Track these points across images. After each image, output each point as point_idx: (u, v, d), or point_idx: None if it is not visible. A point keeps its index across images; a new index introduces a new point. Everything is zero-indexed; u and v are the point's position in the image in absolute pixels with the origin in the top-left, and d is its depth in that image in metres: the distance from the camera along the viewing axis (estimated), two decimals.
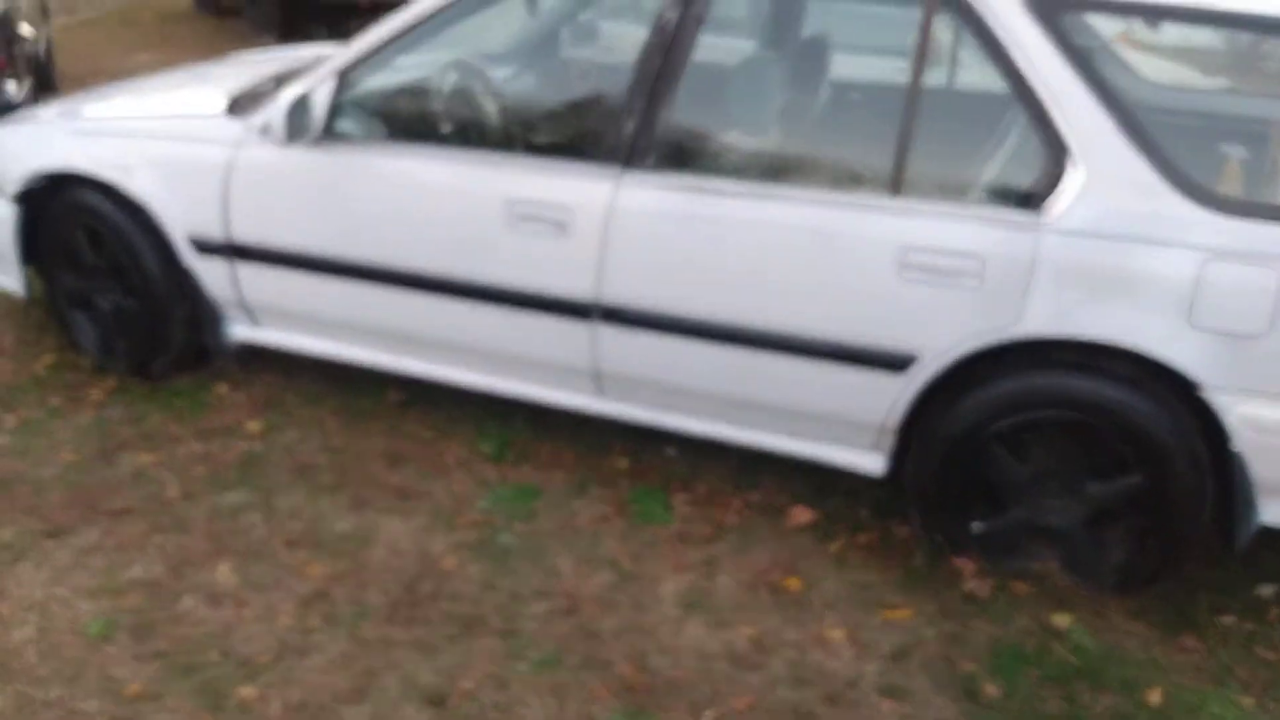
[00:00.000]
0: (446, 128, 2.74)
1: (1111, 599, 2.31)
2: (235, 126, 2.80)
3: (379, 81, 2.76)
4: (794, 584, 2.35)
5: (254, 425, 2.88)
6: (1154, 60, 5.44)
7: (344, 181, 2.68)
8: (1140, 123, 2.16)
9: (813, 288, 2.33)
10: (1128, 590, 2.33)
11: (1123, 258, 2.12)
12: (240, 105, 2.90)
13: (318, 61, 2.84)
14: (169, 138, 2.89)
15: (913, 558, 2.44)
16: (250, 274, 2.86)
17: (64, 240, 3.07)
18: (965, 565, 2.38)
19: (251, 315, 2.97)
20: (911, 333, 2.28)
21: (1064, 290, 2.15)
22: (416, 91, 2.83)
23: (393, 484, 2.62)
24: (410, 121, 2.78)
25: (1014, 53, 2.20)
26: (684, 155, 2.47)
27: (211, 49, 8.49)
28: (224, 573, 2.27)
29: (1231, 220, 2.08)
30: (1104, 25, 3.86)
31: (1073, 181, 2.15)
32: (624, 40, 3.07)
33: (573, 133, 2.67)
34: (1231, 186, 2.48)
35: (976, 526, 2.40)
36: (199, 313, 3.00)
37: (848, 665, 2.12)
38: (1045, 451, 2.32)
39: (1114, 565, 2.33)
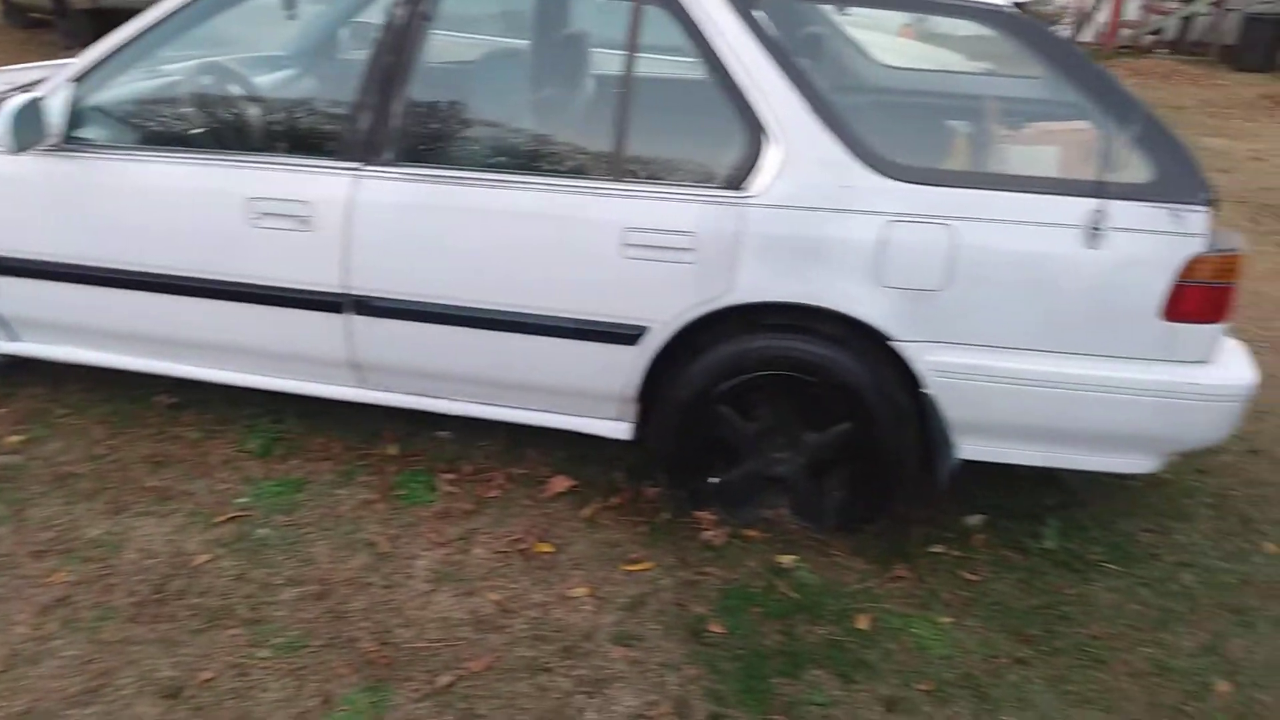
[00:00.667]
0: (189, 131, 2.75)
1: (835, 539, 2.53)
2: None
3: (121, 88, 2.74)
4: (545, 549, 2.48)
5: (13, 439, 2.83)
6: (928, 48, 5.82)
7: (87, 188, 2.66)
8: (827, 102, 2.35)
9: (547, 269, 2.45)
10: (849, 529, 2.55)
11: (816, 227, 2.32)
12: None
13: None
14: None
15: (658, 515, 2.60)
16: (1, 286, 2.80)
17: None
18: (705, 518, 2.56)
19: (7, 328, 2.91)
20: (639, 307, 2.43)
21: (767, 259, 2.34)
22: (158, 96, 2.83)
23: (153, 487, 2.63)
24: (152, 126, 2.77)
25: (716, 42, 2.36)
26: (420, 148, 2.55)
27: (18, 62, 8.07)
28: None
29: (910, 187, 2.29)
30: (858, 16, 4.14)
31: (771, 160, 2.34)
32: (363, 40, 3.12)
33: (312, 131, 2.71)
34: (959, 158, 2.73)
35: (713, 481, 2.58)
36: None
37: (586, 619, 2.26)
38: (768, 408, 2.51)
39: (835, 508, 2.55)
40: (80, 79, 2.65)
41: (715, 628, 2.24)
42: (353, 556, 2.42)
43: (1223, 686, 2.15)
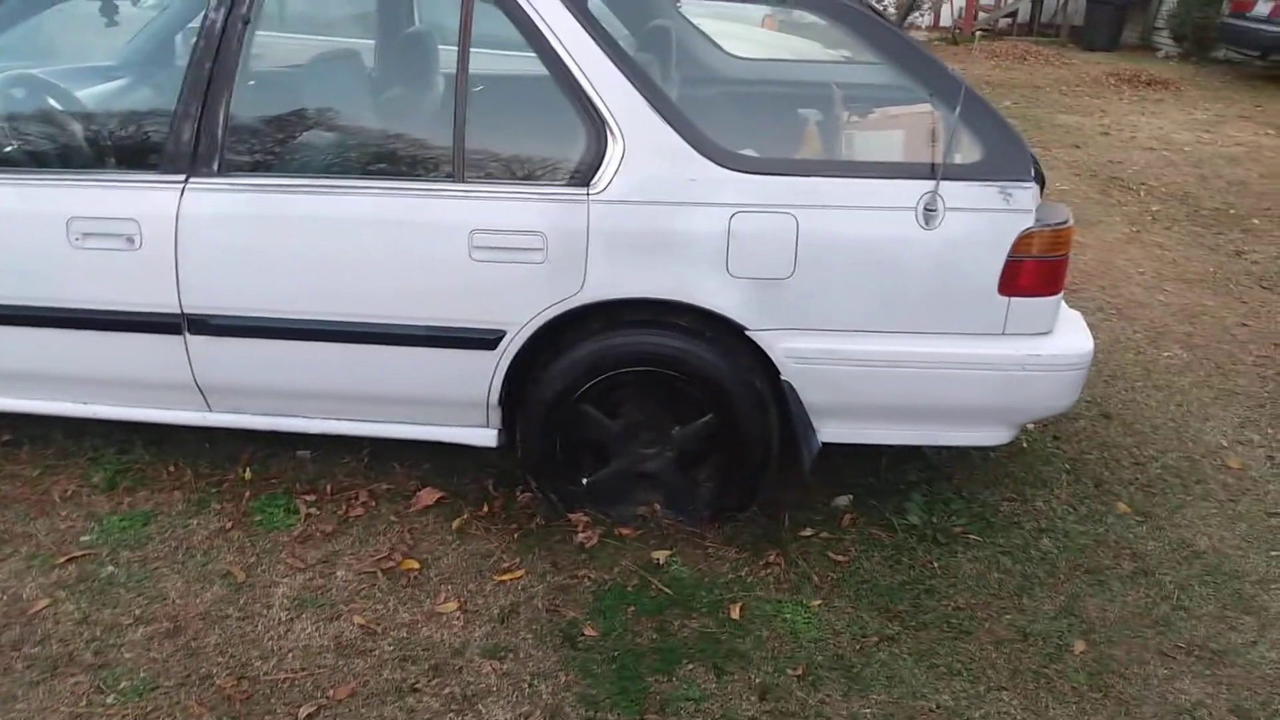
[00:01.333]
0: (6, 149, 2.57)
1: (708, 530, 2.53)
2: None
3: None
4: (412, 565, 2.41)
5: None
6: (789, 38, 5.92)
7: None
8: (665, 96, 2.34)
9: (393, 276, 2.38)
10: (720, 520, 2.56)
11: (663, 221, 2.31)
12: None
13: None
14: None
15: (531, 521, 2.56)
16: None
17: None
18: (579, 520, 2.53)
19: None
20: (493, 310, 2.38)
21: (617, 256, 2.32)
22: None
23: None
24: None
25: (550, 39, 2.33)
26: (249, 157, 2.45)
27: None
28: None
29: (753, 177, 2.30)
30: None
31: (613, 156, 2.31)
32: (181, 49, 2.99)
33: (135, 144, 2.57)
34: (811, 147, 2.76)
35: (584, 481, 2.56)
36: None
37: (456, 635, 2.21)
38: (633, 405, 2.50)
39: (706, 499, 2.56)
40: None
41: (589, 631, 2.22)
42: (207, 589, 2.30)
43: (1079, 646, 2.23)
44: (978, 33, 13.03)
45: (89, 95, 2.93)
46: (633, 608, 2.29)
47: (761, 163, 2.35)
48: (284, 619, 2.22)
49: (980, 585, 2.42)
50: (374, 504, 2.63)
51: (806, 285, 2.31)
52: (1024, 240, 2.27)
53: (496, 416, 2.54)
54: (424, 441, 2.59)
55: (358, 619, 2.23)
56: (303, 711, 1.98)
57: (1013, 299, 2.32)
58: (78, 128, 2.66)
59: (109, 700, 1.99)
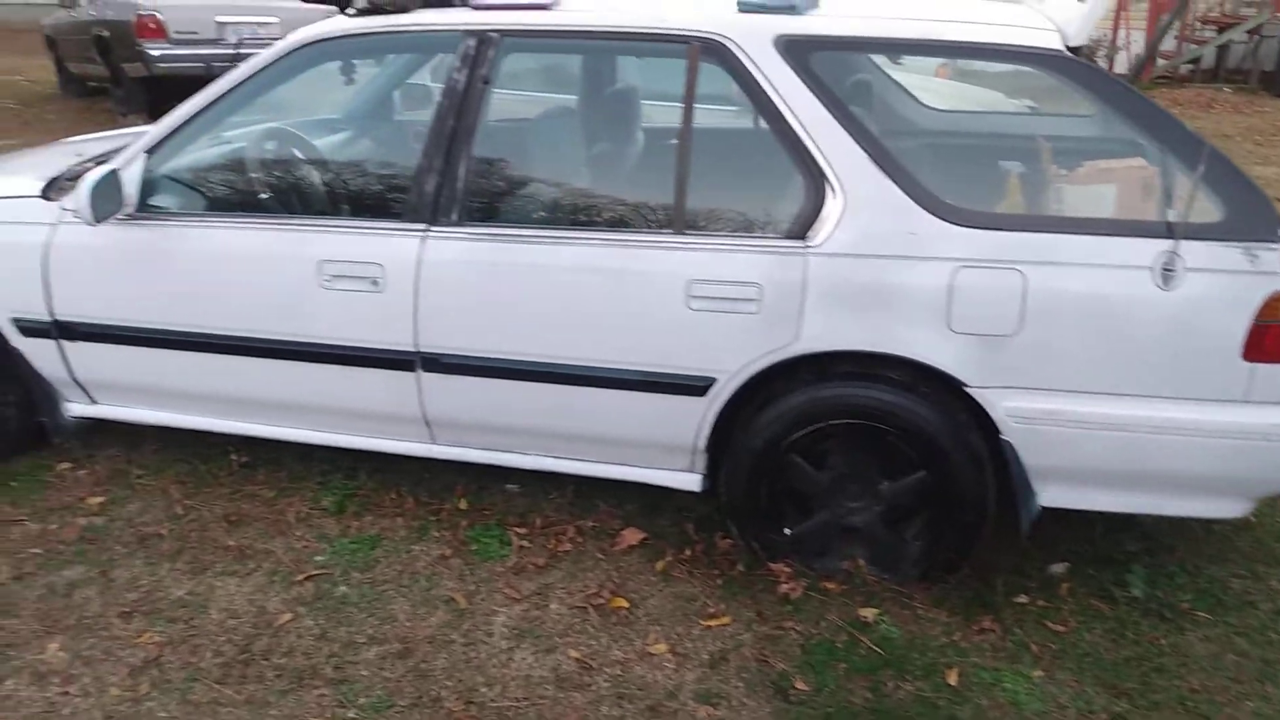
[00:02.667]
0: (257, 197, 2.83)
1: (915, 590, 2.49)
2: (51, 208, 2.83)
3: (190, 156, 2.83)
4: (621, 604, 2.47)
5: (95, 500, 2.89)
6: (965, 87, 5.84)
7: (161, 255, 2.73)
8: (886, 150, 2.36)
9: (612, 323, 2.47)
10: (930, 580, 2.51)
11: (883, 274, 2.31)
12: (56, 187, 2.92)
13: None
14: None
15: (733, 567, 2.58)
16: (79, 351, 2.88)
17: None
18: (780, 570, 2.53)
19: (86, 391, 2.98)
20: (706, 358, 2.44)
21: (834, 308, 2.33)
22: (226, 163, 2.91)
23: (233, 546, 2.66)
24: (222, 192, 2.86)
25: (772, 95, 2.39)
26: (485, 208, 2.60)
27: (76, 130, 8.38)
28: (52, 651, 2.28)
29: (976, 232, 2.28)
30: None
31: (833, 209, 2.34)
32: (421, 104, 3.20)
33: (379, 194, 2.77)
34: (1013, 199, 2.72)
35: (787, 532, 2.56)
36: (32, 394, 3.00)
37: (668, 676, 2.24)
38: (841, 456, 2.49)
39: (914, 557, 2.52)
40: (152, 150, 2.74)
41: (800, 685, 2.21)
42: (432, 614, 2.42)
43: None
44: (1159, 80, 12.47)
45: (332, 146, 3.18)
46: (844, 665, 2.27)
47: (985, 217, 2.33)
48: (505, 648, 2.31)
49: (1215, 667, 2.28)
50: (581, 540, 2.71)
51: (1032, 343, 2.26)
52: (1273, 303, 2.16)
53: (702, 462, 2.59)
54: (628, 482, 2.66)
55: (573, 653, 2.30)
56: None
57: (1258, 365, 2.20)
58: (327, 177, 2.89)
59: (350, 715, 2.11)
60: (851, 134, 2.35)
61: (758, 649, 2.32)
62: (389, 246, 2.57)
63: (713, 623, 2.40)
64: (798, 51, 2.39)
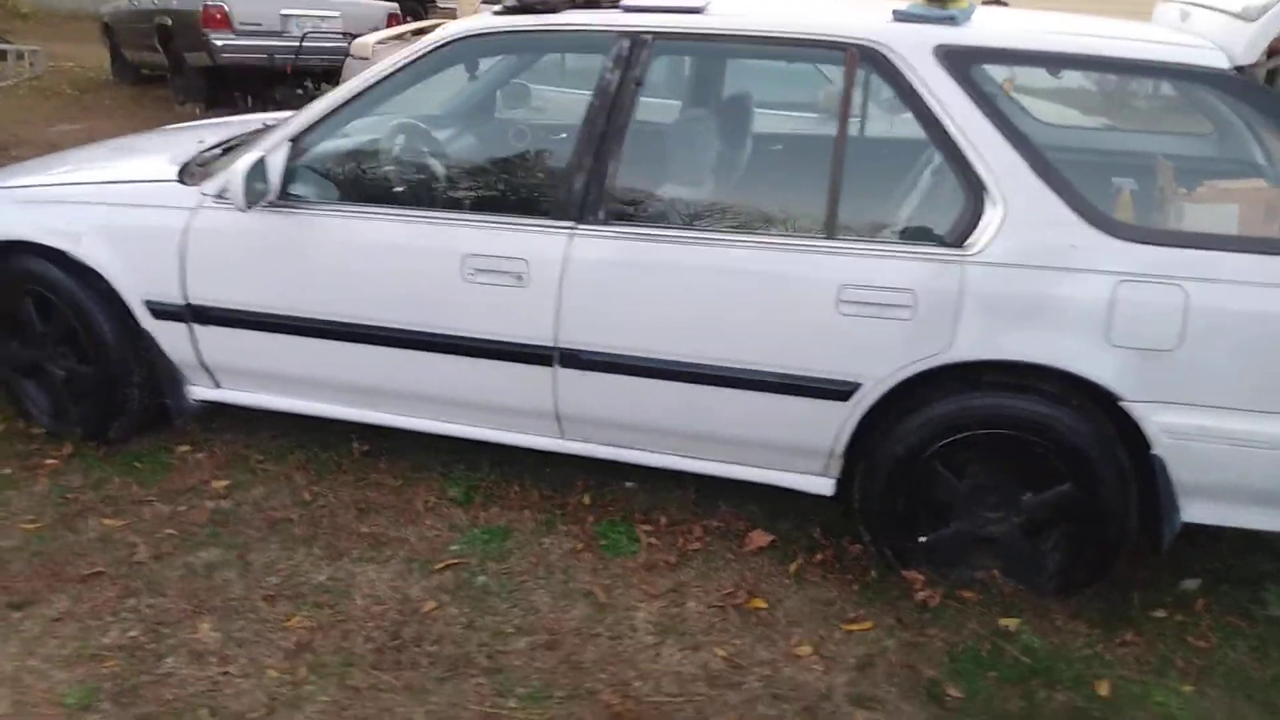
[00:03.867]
0: (400, 189, 2.84)
1: (1052, 601, 2.49)
2: (189, 192, 2.86)
3: (331, 146, 2.85)
4: (759, 604, 2.47)
5: (219, 484, 2.91)
6: (1038, 103, 5.85)
7: (302, 243, 2.76)
8: (1047, 161, 2.37)
9: (759, 325, 2.48)
10: (1067, 592, 2.51)
11: (1042, 285, 2.32)
12: (191, 172, 2.95)
13: (261, 130, 2.93)
14: (121, 204, 2.93)
15: (867, 573, 2.59)
16: (210, 335, 2.91)
17: (8, 309, 3.07)
18: (915, 577, 2.54)
19: (212, 376, 3.01)
20: (853, 362, 2.44)
21: (990, 317, 2.34)
22: (368, 155, 2.93)
23: (365, 533, 2.68)
24: (363, 184, 2.88)
25: (931, 104, 2.40)
26: (632, 208, 2.62)
27: (133, 117, 8.50)
28: (205, 631, 2.30)
29: (1136, 246, 2.29)
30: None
31: (992, 218, 2.35)
32: (558, 102, 3.22)
33: (526, 191, 2.79)
34: (1124, 215, 2.73)
35: (922, 540, 2.57)
36: (157, 376, 3.03)
37: (819, 678, 2.25)
38: (982, 466, 2.50)
39: (1053, 569, 2.52)
40: (296, 138, 2.76)
41: (952, 692, 2.21)
42: (573, 606, 2.44)
43: None
44: None
45: (469, 142, 3.20)
46: (993, 673, 2.27)
47: (1145, 232, 2.34)
48: (651, 643, 2.32)
49: None
50: (709, 540, 2.72)
51: (1190, 359, 2.26)
52: None
53: (837, 466, 2.59)
54: (749, 483, 2.67)
55: (719, 651, 2.31)
56: None
57: None
58: (474, 173, 2.91)
59: (511, 704, 2.13)
60: (1013, 144, 2.36)
61: (903, 655, 2.33)
62: (535, 243, 2.59)
63: (854, 627, 2.41)
64: (958, 61, 2.40)
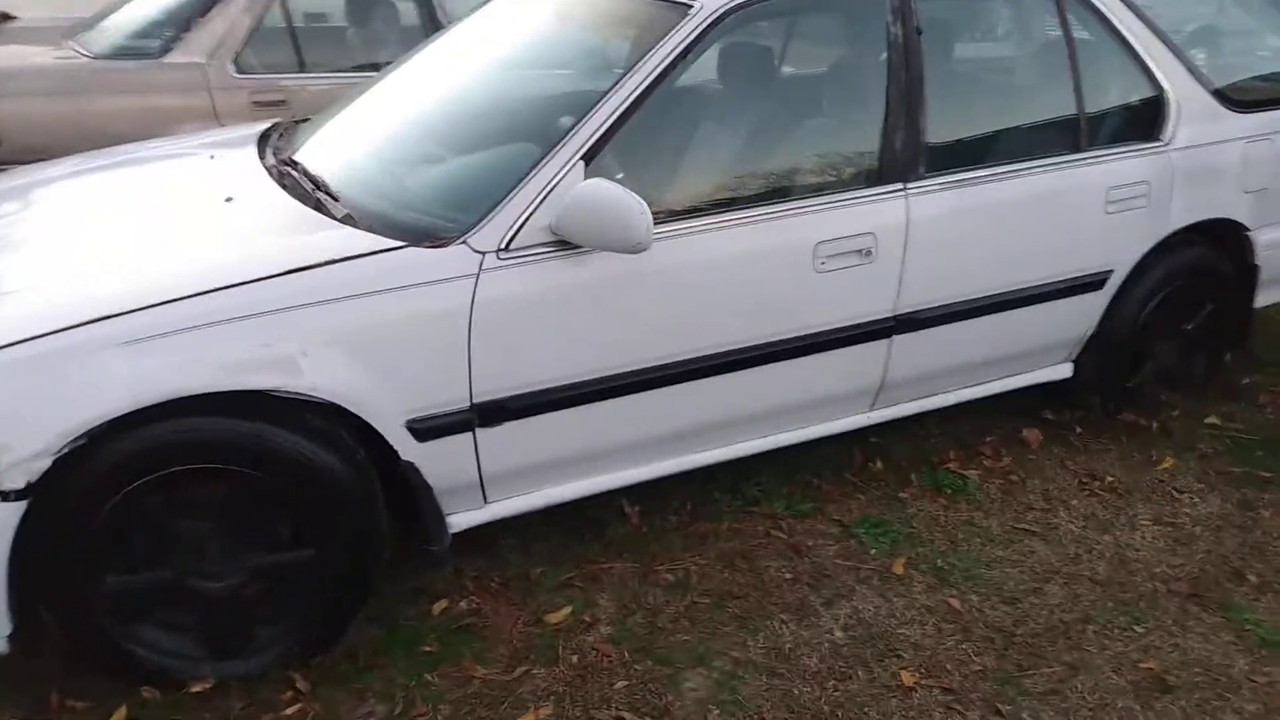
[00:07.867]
0: (732, 190, 2.37)
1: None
2: (454, 254, 2.02)
3: (639, 158, 2.25)
4: (1110, 480, 2.84)
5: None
6: None
7: (629, 280, 2.17)
8: (1190, 58, 2.97)
9: (1051, 242, 2.73)
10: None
11: (1209, 159, 2.96)
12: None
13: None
14: (349, 296, 1.94)
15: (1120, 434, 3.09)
16: (498, 437, 2.14)
17: (118, 523, 1.87)
18: (1134, 418, 3.13)
19: (483, 491, 2.21)
20: (1111, 254, 2.86)
21: (1187, 191, 2.92)
22: (684, 158, 2.38)
23: None
24: (689, 192, 2.34)
25: (1111, 18, 2.82)
26: (944, 156, 2.57)
27: None
28: None
29: (1250, 115, 3.03)
30: None
31: (1171, 112, 2.90)
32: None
33: (852, 161, 2.50)
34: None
35: (1128, 386, 3.13)
36: (410, 520, 2.13)
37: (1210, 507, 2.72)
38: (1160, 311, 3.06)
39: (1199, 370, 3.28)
40: (589, 157, 2.13)
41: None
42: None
43: None
44: None
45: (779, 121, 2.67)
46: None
47: (1247, 104, 3.05)
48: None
49: None
50: (1012, 454, 2.95)
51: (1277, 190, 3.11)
52: None
53: (1078, 350, 2.99)
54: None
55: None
56: None
57: None
58: (794, 153, 2.52)
59: None
60: (1169, 48, 2.90)
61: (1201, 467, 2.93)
62: (877, 212, 2.44)
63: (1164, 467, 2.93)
64: None
